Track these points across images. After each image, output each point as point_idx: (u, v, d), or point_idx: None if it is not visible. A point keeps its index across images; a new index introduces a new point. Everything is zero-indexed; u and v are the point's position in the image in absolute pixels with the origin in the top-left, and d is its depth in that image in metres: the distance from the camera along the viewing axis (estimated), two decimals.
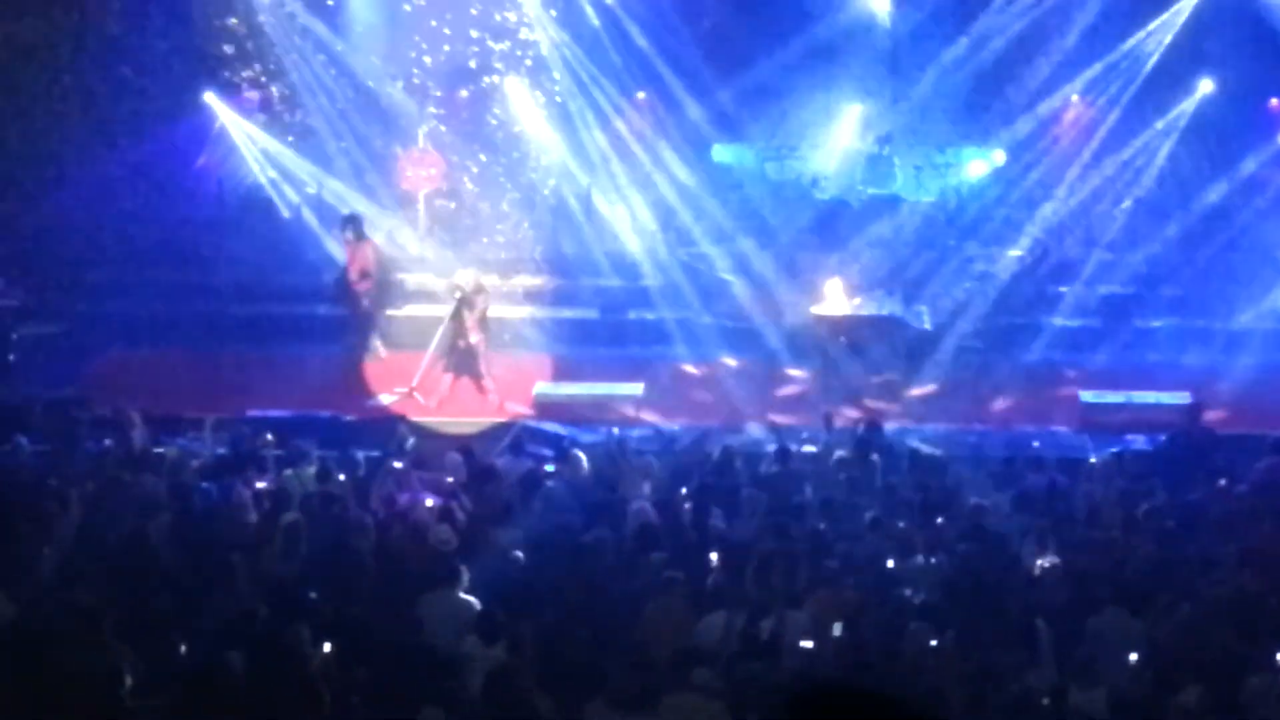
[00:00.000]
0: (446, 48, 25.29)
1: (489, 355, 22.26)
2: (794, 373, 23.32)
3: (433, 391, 22.00)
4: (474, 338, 21.89)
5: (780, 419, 21.38)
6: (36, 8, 23.82)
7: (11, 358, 22.79)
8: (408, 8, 25.38)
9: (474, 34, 25.22)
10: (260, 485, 16.98)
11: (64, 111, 23.77)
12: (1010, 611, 13.77)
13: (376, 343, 23.40)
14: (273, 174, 25.45)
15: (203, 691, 12.13)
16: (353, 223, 23.49)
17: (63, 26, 23.80)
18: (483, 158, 25.72)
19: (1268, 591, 14.25)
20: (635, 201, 26.02)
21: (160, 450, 18.47)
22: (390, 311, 24.26)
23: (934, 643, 12.99)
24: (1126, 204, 25.97)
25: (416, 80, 25.68)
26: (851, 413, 21.09)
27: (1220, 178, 25.50)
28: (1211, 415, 20.61)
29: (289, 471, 17.47)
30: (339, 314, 23.61)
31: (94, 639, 12.93)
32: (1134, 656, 13.07)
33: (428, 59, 25.43)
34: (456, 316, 21.93)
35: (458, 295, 22.09)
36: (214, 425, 19.76)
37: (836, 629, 13.28)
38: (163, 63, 24.51)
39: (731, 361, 23.67)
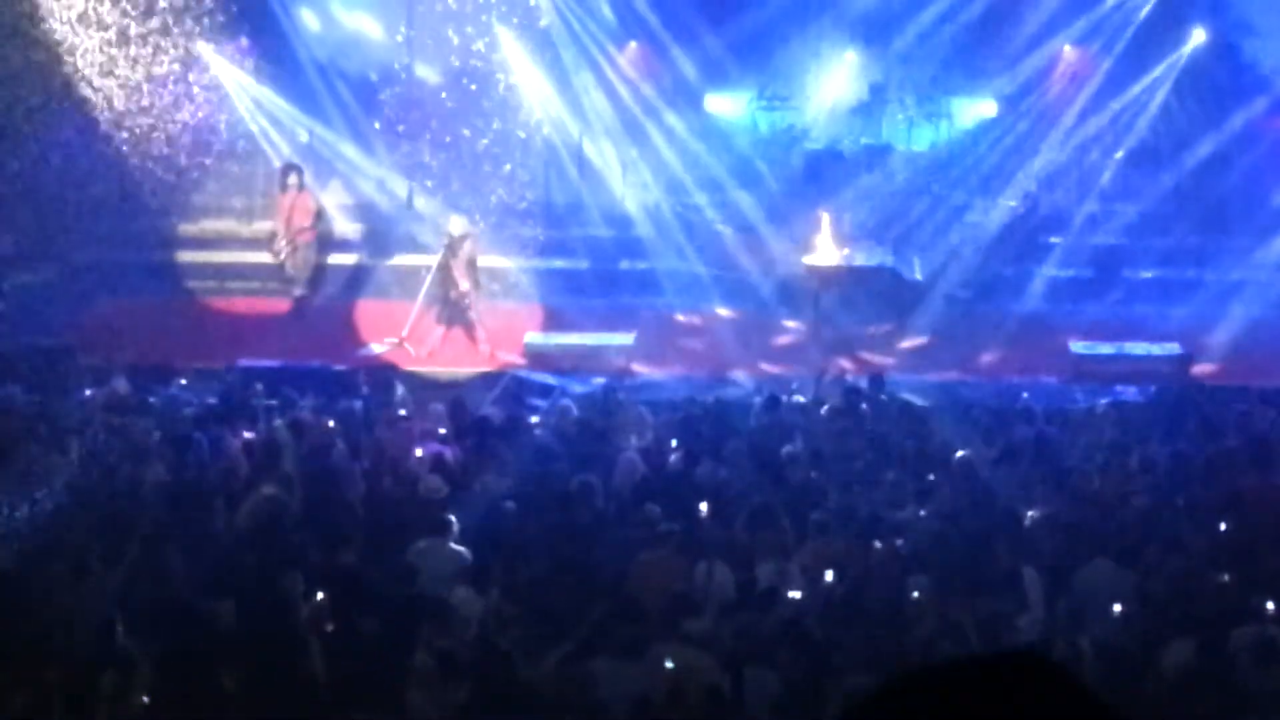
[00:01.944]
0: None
1: (480, 305, 22.22)
2: (788, 324, 23.26)
3: (423, 341, 21.99)
4: (463, 285, 21.83)
5: (771, 369, 21.40)
6: None
7: (1, 306, 22.75)
8: None
9: None
10: (250, 435, 16.99)
11: (53, 57, 23.59)
12: (999, 562, 13.82)
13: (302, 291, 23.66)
14: (263, 123, 25.34)
15: (194, 640, 12.18)
16: (295, 170, 23.74)
17: None
18: (476, 107, 25.59)
19: (1255, 542, 14.32)
20: (627, 152, 25.92)
21: (151, 399, 18.47)
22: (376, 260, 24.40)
23: (918, 594, 13.04)
24: (1118, 154, 25.90)
25: (401, 38, 25.67)
26: (844, 364, 21.08)
27: (1212, 129, 25.42)
28: (1201, 367, 20.64)
29: (279, 421, 17.48)
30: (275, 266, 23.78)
31: (86, 587, 12.98)
32: (1118, 607, 13.12)
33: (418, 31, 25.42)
34: (443, 265, 21.90)
35: (445, 242, 22.09)
36: (205, 374, 19.75)
37: (827, 578, 13.34)
38: (152, 9, 24.36)
39: (723, 311, 23.63)
